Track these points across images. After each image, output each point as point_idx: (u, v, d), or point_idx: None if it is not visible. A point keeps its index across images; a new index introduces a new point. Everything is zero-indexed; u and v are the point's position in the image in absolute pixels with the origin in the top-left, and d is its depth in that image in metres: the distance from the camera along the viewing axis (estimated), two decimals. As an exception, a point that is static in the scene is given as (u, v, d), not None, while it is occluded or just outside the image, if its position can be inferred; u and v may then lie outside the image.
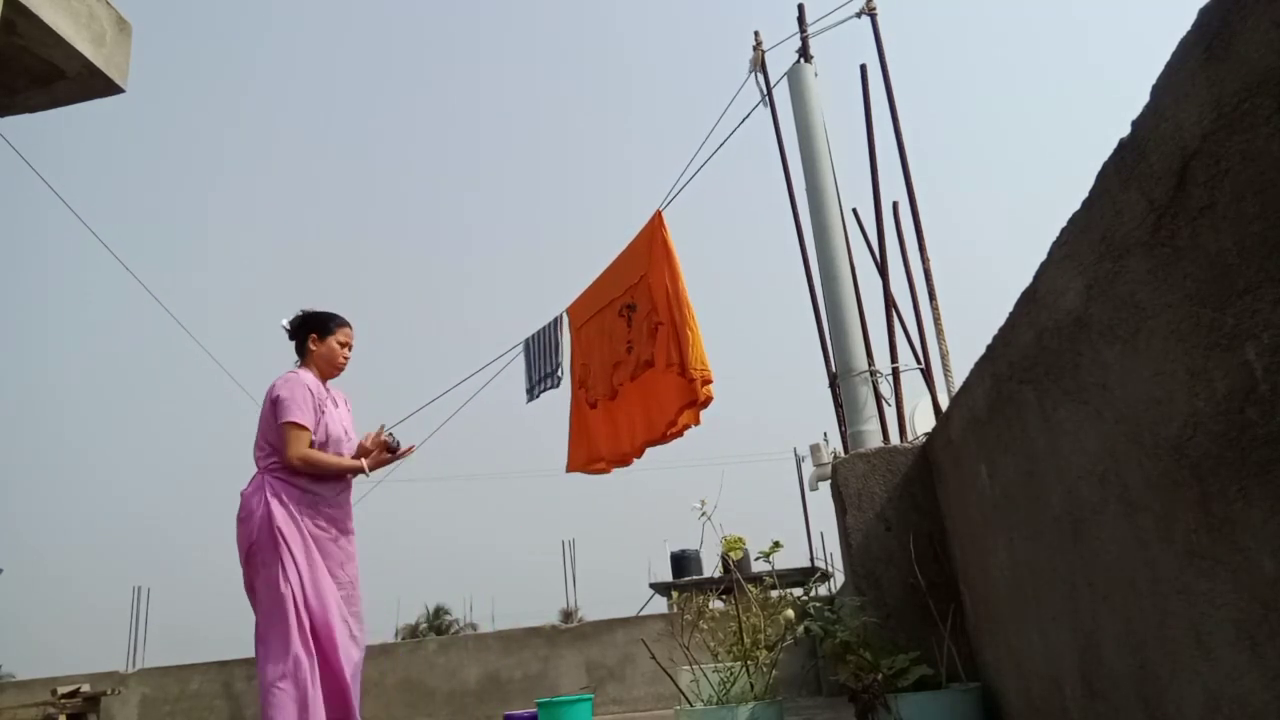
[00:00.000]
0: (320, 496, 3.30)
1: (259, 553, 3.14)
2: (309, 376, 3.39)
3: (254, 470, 3.32)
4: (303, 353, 3.47)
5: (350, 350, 3.52)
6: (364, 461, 3.39)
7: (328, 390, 3.48)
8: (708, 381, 4.54)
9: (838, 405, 4.52)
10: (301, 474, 3.26)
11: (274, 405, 3.28)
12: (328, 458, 3.30)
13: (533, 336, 6.37)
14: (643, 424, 4.94)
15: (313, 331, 3.44)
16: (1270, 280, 0.98)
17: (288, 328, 3.51)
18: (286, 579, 3.08)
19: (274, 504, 3.17)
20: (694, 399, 4.58)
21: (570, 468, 5.65)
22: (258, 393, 3.44)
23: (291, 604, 3.06)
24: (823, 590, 9.66)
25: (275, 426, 3.27)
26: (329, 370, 3.47)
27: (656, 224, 4.94)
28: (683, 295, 4.68)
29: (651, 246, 4.92)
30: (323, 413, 3.35)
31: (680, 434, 4.80)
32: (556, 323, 6.05)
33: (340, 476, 3.38)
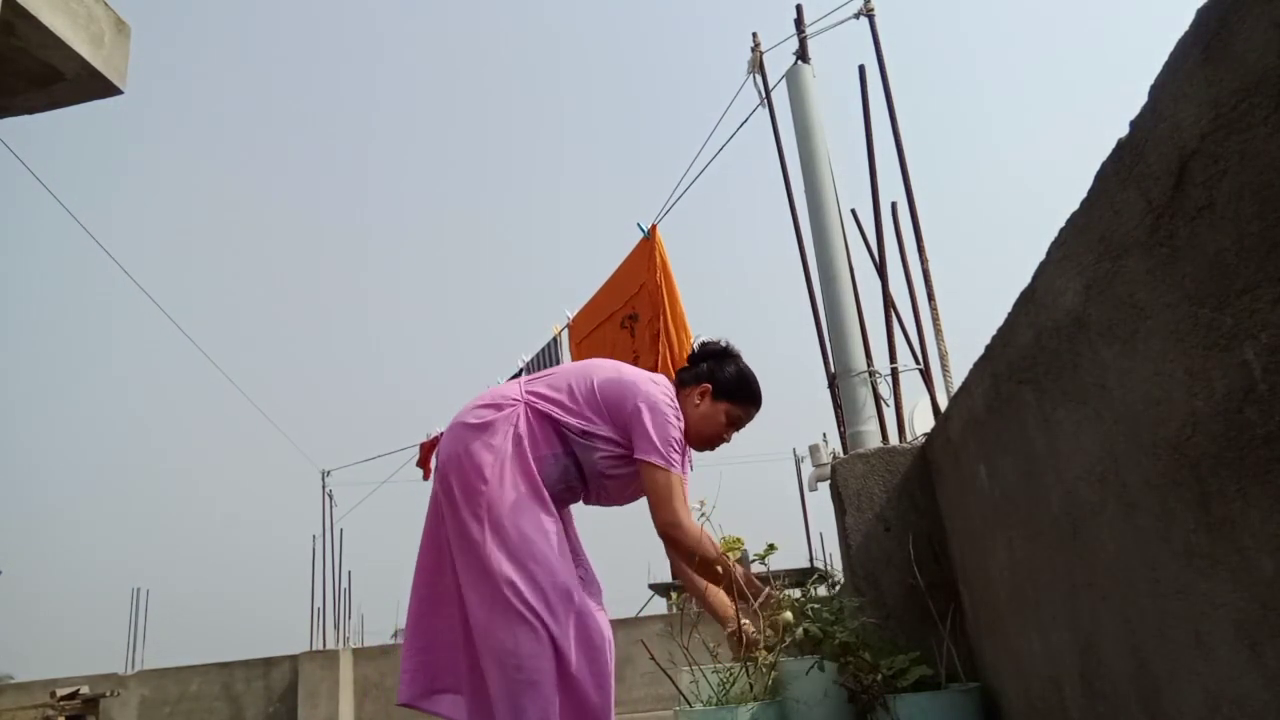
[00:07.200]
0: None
1: None
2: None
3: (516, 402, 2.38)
4: (683, 384, 2.44)
5: (733, 435, 2.47)
6: (745, 622, 2.26)
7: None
8: None
9: (836, 406, 4.52)
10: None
11: (641, 410, 2.29)
12: (714, 552, 2.27)
13: (532, 360, 6.28)
14: None
15: (710, 381, 2.39)
16: (1269, 280, 0.98)
17: (696, 350, 2.52)
18: None
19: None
20: None
21: None
22: (254, 392, 3.31)
23: None
24: (821, 591, 9.67)
25: (629, 428, 2.31)
26: (694, 437, 2.41)
27: (653, 239, 4.94)
28: (680, 316, 4.67)
29: (649, 259, 4.91)
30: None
31: None
32: (555, 342, 6.00)
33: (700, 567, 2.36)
